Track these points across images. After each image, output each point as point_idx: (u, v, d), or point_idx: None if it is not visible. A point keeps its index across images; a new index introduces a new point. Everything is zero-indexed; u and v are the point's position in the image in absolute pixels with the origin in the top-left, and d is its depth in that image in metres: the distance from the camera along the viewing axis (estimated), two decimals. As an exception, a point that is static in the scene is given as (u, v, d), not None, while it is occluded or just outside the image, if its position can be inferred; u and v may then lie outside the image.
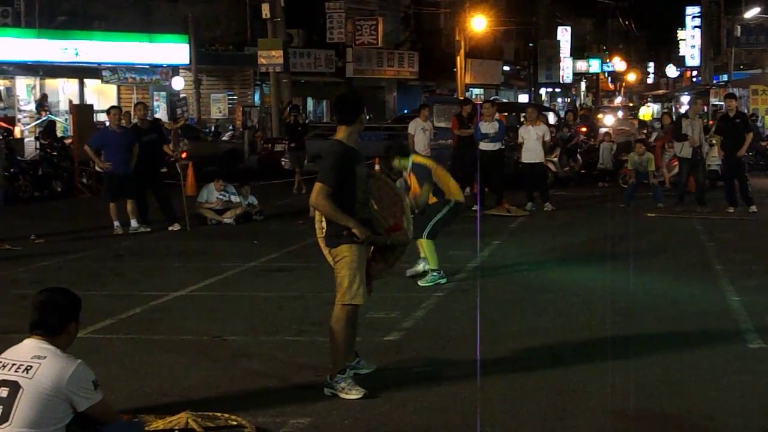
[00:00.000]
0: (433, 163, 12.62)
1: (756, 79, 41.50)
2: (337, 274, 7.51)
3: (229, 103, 42.48)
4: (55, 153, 24.37)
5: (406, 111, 42.71)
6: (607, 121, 34.14)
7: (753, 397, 7.41)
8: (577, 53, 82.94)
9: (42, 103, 33.60)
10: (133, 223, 17.09)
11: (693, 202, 19.69)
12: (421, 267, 12.44)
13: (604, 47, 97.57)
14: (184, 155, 20.02)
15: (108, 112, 18.14)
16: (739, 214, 18.91)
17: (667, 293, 11.47)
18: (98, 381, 5.48)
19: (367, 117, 37.08)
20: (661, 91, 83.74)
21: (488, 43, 57.11)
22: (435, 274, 12.11)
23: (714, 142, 24.21)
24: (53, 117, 31.01)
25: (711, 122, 31.19)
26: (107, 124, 18.35)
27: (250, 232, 17.07)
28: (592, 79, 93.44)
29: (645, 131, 31.19)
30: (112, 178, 17.15)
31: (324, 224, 7.65)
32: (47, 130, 26.21)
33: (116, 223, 16.94)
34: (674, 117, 29.15)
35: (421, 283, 11.96)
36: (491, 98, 42.39)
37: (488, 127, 19.92)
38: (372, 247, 7.71)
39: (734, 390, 7.61)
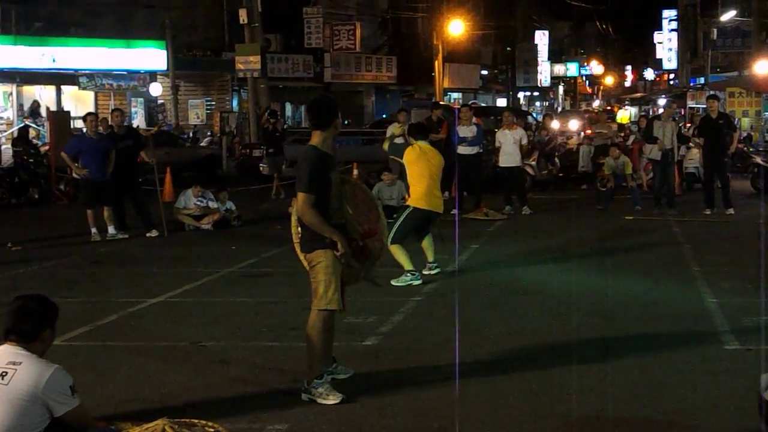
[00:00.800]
0: (422, 157, 12.44)
1: (733, 81, 41.70)
2: (313, 280, 7.50)
3: (207, 109, 42.44)
4: (31, 160, 24.28)
5: (384, 115, 42.72)
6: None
7: (730, 397, 7.43)
8: (554, 57, 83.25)
9: (36, 110, 33.48)
10: (111, 229, 17.03)
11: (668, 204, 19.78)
12: (426, 270, 12.69)
13: (582, 51, 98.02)
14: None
15: (84, 119, 18.09)
16: (716, 216, 18.99)
17: (644, 295, 11.52)
18: (75, 386, 5.46)
19: (346, 122, 37.27)
20: (638, 94, 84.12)
21: (466, 47, 57.21)
22: (409, 275, 12.17)
23: (692, 144, 24.35)
24: (31, 124, 30.93)
25: (688, 124, 31.35)
26: (84, 130, 18.30)
27: (228, 238, 17.05)
28: (570, 82, 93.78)
29: (623, 134, 31.26)
30: (89, 185, 17.10)
31: (300, 229, 7.64)
32: (20, 136, 26.11)
33: (93, 230, 16.88)
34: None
35: (393, 282, 12.02)
36: (469, 102, 42.52)
37: (466, 131, 19.98)
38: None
39: (711, 391, 7.65)
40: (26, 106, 34.72)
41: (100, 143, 17.08)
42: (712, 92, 26.16)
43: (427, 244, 12.81)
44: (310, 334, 7.52)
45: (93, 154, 16.92)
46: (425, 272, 12.65)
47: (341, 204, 7.67)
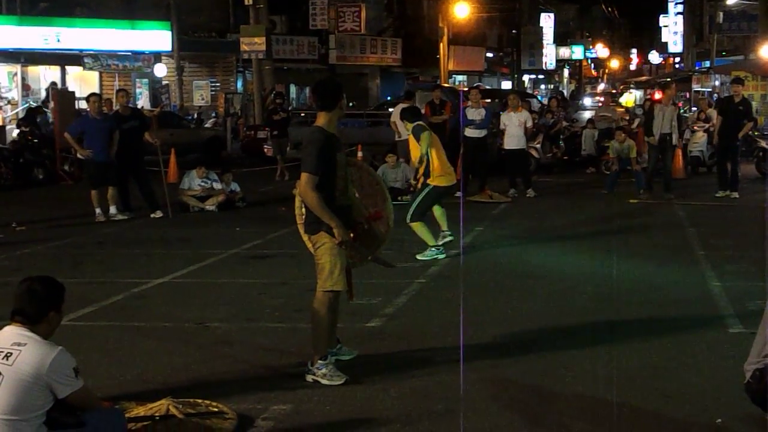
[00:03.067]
0: (432, 137, 12.87)
1: (738, 65, 41.53)
2: (318, 261, 7.50)
3: (212, 90, 42.36)
4: (36, 140, 24.26)
5: (389, 98, 42.63)
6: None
7: (734, 381, 7.39)
8: (560, 40, 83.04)
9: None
10: (113, 209, 17.04)
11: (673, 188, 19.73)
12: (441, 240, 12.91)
13: (587, 34, 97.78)
14: None
15: (87, 99, 18.07)
16: (721, 200, 18.97)
17: (649, 279, 11.51)
18: (79, 368, 5.46)
19: (350, 104, 37.22)
20: (643, 78, 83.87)
21: (471, 29, 57.06)
22: (433, 249, 12.59)
23: (696, 128, 24.28)
24: (35, 104, 30.87)
25: (693, 108, 31.28)
26: (87, 111, 18.28)
27: (232, 219, 17.05)
28: (575, 65, 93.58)
29: (627, 117, 31.19)
30: (92, 166, 17.11)
31: (304, 210, 7.63)
32: (28, 117, 26.07)
33: (98, 211, 16.90)
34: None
35: (418, 256, 12.41)
36: (475, 84, 42.44)
37: (475, 113, 19.93)
38: (352, 233, 7.68)
39: (715, 375, 7.65)
40: (33, 87, 34.66)
41: (104, 124, 17.06)
42: (739, 76, 25.85)
43: (439, 213, 13.10)
44: (315, 314, 7.53)
45: (96, 135, 16.90)
46: (439, 243, 12.85)
47: (346, 186, 7.67)
